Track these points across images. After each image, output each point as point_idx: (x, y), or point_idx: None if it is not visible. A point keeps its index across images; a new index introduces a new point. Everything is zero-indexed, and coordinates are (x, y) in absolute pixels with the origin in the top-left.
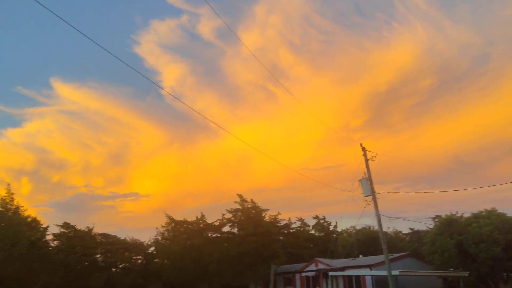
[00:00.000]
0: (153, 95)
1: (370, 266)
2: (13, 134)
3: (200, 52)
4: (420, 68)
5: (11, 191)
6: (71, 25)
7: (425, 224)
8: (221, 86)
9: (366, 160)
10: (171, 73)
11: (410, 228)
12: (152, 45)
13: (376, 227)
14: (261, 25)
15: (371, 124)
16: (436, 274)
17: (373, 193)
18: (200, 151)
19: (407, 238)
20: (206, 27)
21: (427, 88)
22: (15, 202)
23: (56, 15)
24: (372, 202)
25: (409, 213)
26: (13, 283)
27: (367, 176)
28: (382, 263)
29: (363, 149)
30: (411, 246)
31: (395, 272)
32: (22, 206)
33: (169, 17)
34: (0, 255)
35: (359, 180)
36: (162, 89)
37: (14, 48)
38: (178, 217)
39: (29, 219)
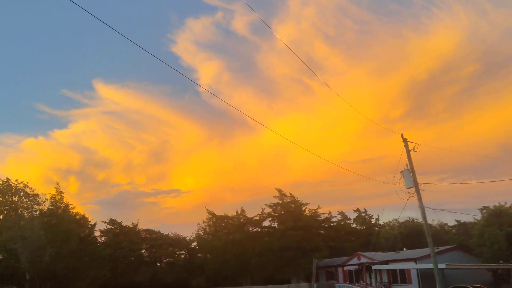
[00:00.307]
0: (191, 93)
1: (415, 260)
2: (60, 135)
3: (235, 48)
4: (462, 55)
5: (61, 190)
6: (112, 28)
7: (472, 216)
8: (257, 81)
9: (408, 151)
10: (207, 71)
11: (456, 220)
12: (187, 43)
13: (420, 220)
14: (295, 18)
15: (411, 114)
16: (485, 267)
17: (416, 184)
18: (238, 146)
19: (453, 230)
20: (240, 22)
21: (470, 75)
22: (64, 201)
23: (97, 19)
24: (415, 194)
25: (454, 204)
26: (65, 277)
27: (409, 167)
28: (428, 256)
29: (404, 140)
30: (458, 238)
31: (441, 266)
32: (71, 204)
33: (204, 15)
34: (52, 251)
35: (401, 172)
36: (200, 86)
37: (58, 52)
38: (218, 212)
39: (78, 217)
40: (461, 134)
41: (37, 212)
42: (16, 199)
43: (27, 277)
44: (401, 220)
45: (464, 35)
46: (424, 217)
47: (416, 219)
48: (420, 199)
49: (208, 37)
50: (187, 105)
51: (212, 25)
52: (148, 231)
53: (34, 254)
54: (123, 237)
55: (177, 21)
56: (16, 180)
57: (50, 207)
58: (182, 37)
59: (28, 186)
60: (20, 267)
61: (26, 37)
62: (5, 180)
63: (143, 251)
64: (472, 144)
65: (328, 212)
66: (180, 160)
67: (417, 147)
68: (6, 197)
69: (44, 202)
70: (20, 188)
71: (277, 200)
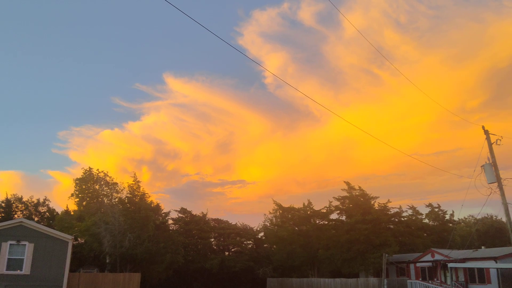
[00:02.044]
0: (257, 85)
1: (495, 259)
2: (134, 127)
3: (301, 38)
4: None
5: (137, 179)
6: (194, 19)
7: None
8: (323, 71)
9: (490, 144)
10: (273, 62)
11: None
12: (254, 35)
13: (500, 217)
14: (364, 5)
15: (491, 104)
16: None
17: (498, 179)
18: (303, 138)
19: None
20: (307, 13)
21: None
22: (141, 189)
23: (179, 10)
24: (497, 190)
25: None
26: (143, 262)
27: (491, 161)
28: (509, 255)
29: (486, 132)
30: None
31: None
32: (147, 193)
33: (270, 6)
34: (131, 236)
35: (481, 166)
36: (268, 75)
37: (131, 47)
38: (283, 203)
39: (152, 205)
40: None
41: (116, 200)
42: (97, 187)
43: (108, 260)
44: (478, 217)
45: None
46: (507, 214)
47: (495, 216)
48: (503, 194)
49: (274, 29)
50: (253, 97)
51: (279, 16)
52: (217, 220)
53: (115, 238)
54: (193, 225)
55: (244, 13)
56: (97, 170)
57: (128, 195)
58: (248, 29)
59: (108, 175)
60: (102, 250)
61: (101, 35)
62: (87, 169)
63: (212, 239)
64: None
65: (398, 207)
66: (245, 151)
67: (500, 139)
68: (89, 185)
69: (122, 190)
70: (101, 177)
71: (345, 193)
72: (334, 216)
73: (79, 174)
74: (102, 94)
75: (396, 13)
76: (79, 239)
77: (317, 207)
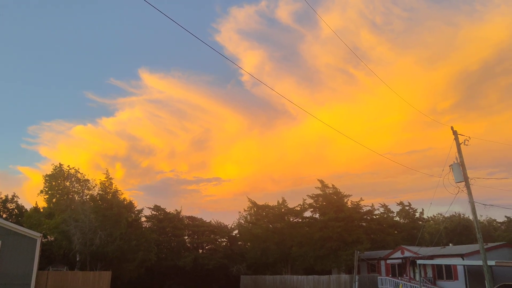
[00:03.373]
0: (233, 83)
1: (462, 256)
2: (107, 122)
3: (278, 37)
4: None
5: (110, 176)
6: (165, 15)
7: None
8: (300, 70)
9: (458, 144)
10: (250, 60)
11: (506, 217)
12: (231, 32)
13: (467, 215)
14: (341, 6)
15: (461, 106)
16: None
17: (466, 179)
18: (279, 136)
19: (503, 227)
20: (284, 11)
21: None
22: (113, 186)
23: (152, 5)
24: (464, 189)
25: (505, 200)
26: (115, 259)
27: (459, 161)
28: (476, 252)
29: (455, 132)
30: (508, 235)
31: (491, 263)
32: (119, 190)
33: (248, 4)
34: (102, 234)
35: (450, 165)
36: (242, 73)
37: (105, 42)
38: (259, 201)
39: (125, 202)
40: None
41: (88, 197)
42: (68, 183)
43: (78, 258)
44: (446, 215)
45: None
46: (474, 212)
47: (463, 214)
48: (470, 194)
49: (252, 26)
50: (229, 95)
51: (256, 14)
52: (191, 218)
53: (86, 236)
54: (167, 222)
55: (221, 10)
56: (68, 166)
57: (100, 192)
58: (226, 26)
59: (79, 172)
60: (71, 248)
61: (75, 28)
62: (58, 166)
63: (186, 237)
64: None
65: (370, 205)
66: (221, 149)
67: (468, 140)
68: (59, 181)
69: (94, 187)
70: (71, 173)
71: (318, 191)
72: (308, 213)
73: (49, 170)
74: (74, 88)
75: (372, 15)
76: (48, 236)
77: (292, 204)
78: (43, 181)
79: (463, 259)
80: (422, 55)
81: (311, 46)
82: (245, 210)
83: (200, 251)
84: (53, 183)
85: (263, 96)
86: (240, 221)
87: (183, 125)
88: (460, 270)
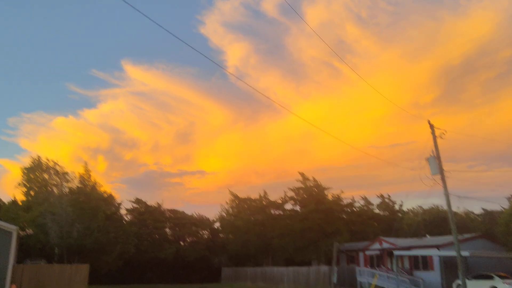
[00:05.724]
0: (218, 75)
1: (438, 247)
2: (89, 114)
3: (263, 30)
4: (501, 38)
5: (89, 169)
6: (139, 11)
7: (499, 204)
8: (285, 63)
9: (434, 138)
10: (235, 52)
11: (482, 209)
12: (216, 24)
13: (445, 207)
14: None
15: (443, 100)
16: (510, 256)
17: (441, 171)
18: (263, 129)
19: (479, 218)
20: (270, 3)
21: (508, 59)
22: (92, 179)
23: (126, 2)
24: (440, 181)
25: (483, 193)
26: (92, 252)
27: (435, 154)
28: (451, 243)
29: (431, 126)
30: (484, 227)
31: (465, 253)
32: (99, 183)
33: None
34: (80, 227)
35: (426, 159)
36: (225, 69)
37: (87, 32)
38: (242, 194)
39: (105, 195)
40: (495, 121)
41: (67, 190)
42: (46, 176)
43: (56, 252)
44: (425, 207)
45: (503, 18)
46: (449, 204)
47: (441, 206)
48: (445, 186)
49: (237, 19)
50: (214, 87)
51: (241, 6)
52: (173, 211)
53: (63, 229)
54: (148, 215)
55: (206, 1)
56: (47, 158)
57: (79, 185)
58: (211, 18)
59: (58, 164)
60: (49, 241)
61: (57, 18)
62: (37, 158)
63: (167, 229)
64: (506, 131)
65: (351, 197)
66: (205, 142)
67: (444, 133)
68: (37, 174)
69: (73, 180)
70: (50, 166)
71: (300, 184)
72: (289, 206)
73: (28, 163)
74: (55, 79)
75: (358, 8)
76: (26, 230)
77: (276, 197)
78: (21, 174)
79: (439, 250)
80: (407, 49)
81: (297, 39)
82: (227, 203)
83: (182, 243)
84: (31, 176)
85: (248, 89)
86: (222, 213)
87: (167, 117)
88: (436, 260)
